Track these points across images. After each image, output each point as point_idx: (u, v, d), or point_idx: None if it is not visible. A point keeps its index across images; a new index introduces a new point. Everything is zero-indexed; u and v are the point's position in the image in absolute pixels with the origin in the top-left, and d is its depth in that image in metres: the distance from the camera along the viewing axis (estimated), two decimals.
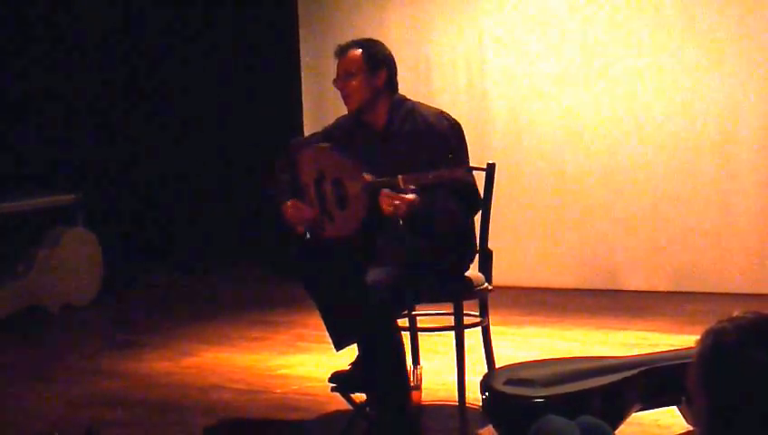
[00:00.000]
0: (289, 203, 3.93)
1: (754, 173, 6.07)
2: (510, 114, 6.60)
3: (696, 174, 6.21)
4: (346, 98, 3.90)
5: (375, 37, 4.04)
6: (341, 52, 3.92)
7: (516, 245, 6.51)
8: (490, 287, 3.98)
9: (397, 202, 3.53)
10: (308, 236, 4.00)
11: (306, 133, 5.97)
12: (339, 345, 3.93)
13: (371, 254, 3.76)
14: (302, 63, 7.18)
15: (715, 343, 1.77)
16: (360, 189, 3.75)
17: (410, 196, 3.53)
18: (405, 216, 3.57)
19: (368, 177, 3.73)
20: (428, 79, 6.63)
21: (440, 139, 3.76)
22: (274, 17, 7.47)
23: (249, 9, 7.62)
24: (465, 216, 3.82)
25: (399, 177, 3.54)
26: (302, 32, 7.17)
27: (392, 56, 3.96)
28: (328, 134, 4.08)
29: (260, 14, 7.58)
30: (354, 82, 3.85)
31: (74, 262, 6.48)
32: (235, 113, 7.75)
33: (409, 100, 3.94)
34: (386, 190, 3.56)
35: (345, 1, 7.04)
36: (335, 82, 3.92)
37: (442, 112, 3.89)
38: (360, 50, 3.88)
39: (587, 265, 6.50)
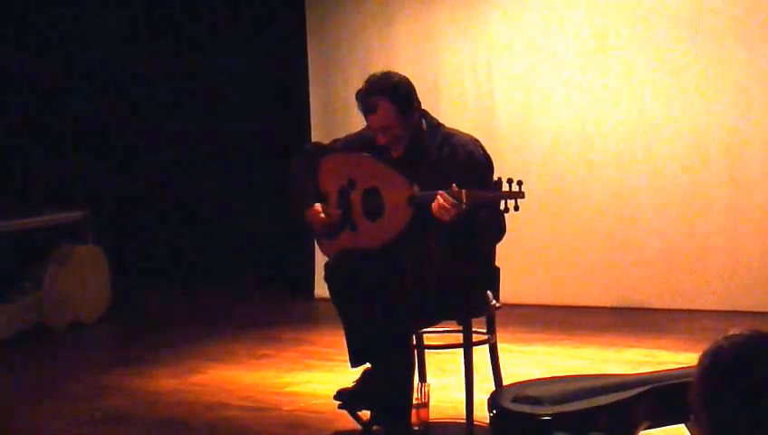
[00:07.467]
0: (316, 207, 3.91)
1: (763, 191, 6.07)
2: (517, 126, 6.61)
3: (705, 193, 6.20)
4: (392, 146, 3.81)
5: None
6: (368, 109, 3.79)
7: (524, 262, 6.50)
8: (498, 305, 3.97)
9: (448, 206, 3.52)
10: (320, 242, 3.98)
11: None
12: (356, 362, 3.87)
13: (400, 267, 3.70)
14: (310, 79, 7.19)
15: (712, 362, 1.77)
16: (402, 201, 3.72)
17: (464, 206, 3.53)
18: (450, 222, 3.56)
19: (415, 189, 3.70)
20: (436, 89, 6.65)
21: (479, 167, 3.77)
22: (282, 32, 7.48)
23: (257, 28, 7.64)
24: (498, 238, 3.82)
25: (463, 191, 3.52)
26: (310, 45, 7.18)
27: (408, 81, 3.86)
28: (351, 144, 4.01)
29: (267, 28, 7.59)
30: (395, 132, 3.79)
31: (82, 279, 6.50)
32: (242, 130, 7.76)
33: (443, 125, 3.90)
34: (444, 193, 3.54)
35: (352, 14, 7.06)
36: (375, 134, 3.83)
37: (477, 141, 3.87)
38: (388, 101, 3.76)
39: (594, 283, 6.49)
